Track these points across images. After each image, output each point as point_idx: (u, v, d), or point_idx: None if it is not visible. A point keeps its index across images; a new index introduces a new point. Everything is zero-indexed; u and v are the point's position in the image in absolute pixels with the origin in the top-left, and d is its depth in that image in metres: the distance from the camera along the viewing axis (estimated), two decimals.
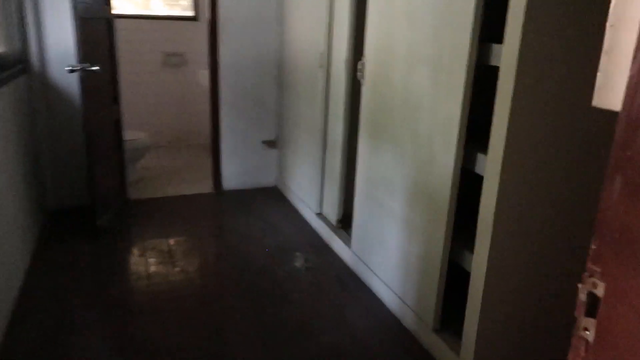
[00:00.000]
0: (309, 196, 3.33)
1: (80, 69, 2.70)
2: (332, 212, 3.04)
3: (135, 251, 2.87)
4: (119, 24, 4.78)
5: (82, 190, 3.37)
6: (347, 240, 2.82)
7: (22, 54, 3.00)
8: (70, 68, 2.70)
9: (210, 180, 3.96)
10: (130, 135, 3.85)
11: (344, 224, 3.01)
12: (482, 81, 1.82)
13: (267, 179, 4.01)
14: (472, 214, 2.02)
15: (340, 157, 2.87)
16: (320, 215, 3.21)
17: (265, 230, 3.21)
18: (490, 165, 1.64)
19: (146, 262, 2.75)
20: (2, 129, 2.32)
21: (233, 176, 3.90)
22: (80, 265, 2.69)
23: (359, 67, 2.46)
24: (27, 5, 3.03)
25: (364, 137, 2.50)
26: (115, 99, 3.35)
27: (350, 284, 2.60)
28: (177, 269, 2.68)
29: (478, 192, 1.77)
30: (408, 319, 2.21)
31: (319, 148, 3.11)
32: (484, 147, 1.79)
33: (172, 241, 3.01)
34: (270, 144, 3.93)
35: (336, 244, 2.92)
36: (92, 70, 2.76)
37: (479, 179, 1.81)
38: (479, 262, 1.73)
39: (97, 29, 2.99)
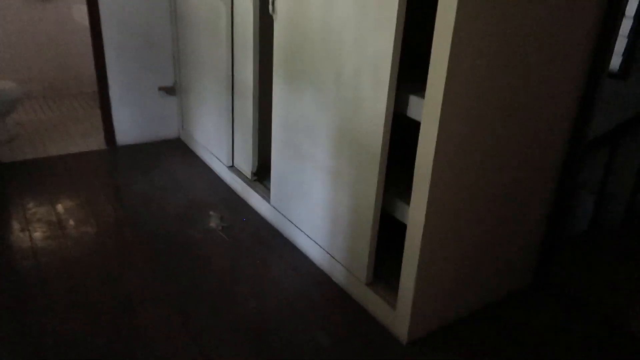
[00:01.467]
0: (219, 148, 3.02)
1: None
2: (246, 164, 2.78)
3: (15, 225, 2.42)
4: None
5: None
6: (265, 194, 2.60)
7: None
8: None
9: (101, 135, 3.47)
10: None
11: (260, 176, 2.78)
12: (416, 9, 1.63)
13: (168, 131, 3.61)
14: (402, 160, 1.90)
15: (252, 103, 2.59)
16: (232, 168, 2.94)
17: (171, 189, 2.88)
18: (429, 110, 1.49)
19: (30, 237, 2.33)
20: None
21: (128, 129, 3.45)
22: None
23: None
24: None
25: (278, 79, 2.24)
26: None
27: (272, 241, 2.41)
28: (69, 242, 2.30)
29: (409, 137, 1.62)
30: (338, 274, 2.08)
31: (227, 93, 2.78)
32: (418, 89, 1.63)
33: (60, 209, 2.59)
34: (169, 90, 3.50)
35: (253, 198, 2.69)
36: None
37: (412, 123, 1.66)
38: (415, 214, 1.61)
39: None
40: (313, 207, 2.17)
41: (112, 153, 3.36)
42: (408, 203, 1.68)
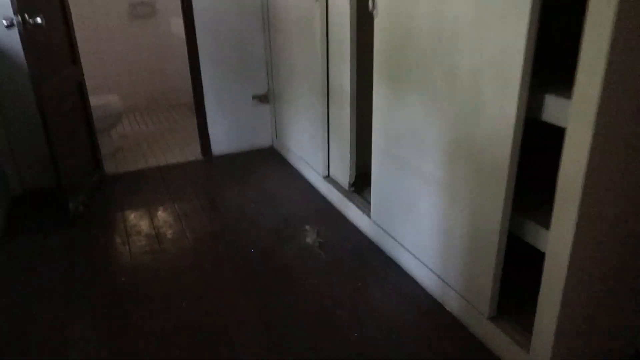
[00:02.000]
0: (313, 157, 2.87)
1: (17, 22, 2.15)
2: (343, 174, 2.60)
3: (117, 238, 2.44)
4: None
5: (49, 169, 2.89)
6: (365, 208, 2.40)
7: None
8: (6, 22, 2.16)
9: (197, 145, 3.48)
10: (98, 100, 3.33)
11: (358, 187, 2.58)
12: None
13: (261, 140, 3.54)
14: (526, 171, 1.60)
15: (349, 110, 2.40)
16: (328, 178, 2.77)
17: (266, 201, 2.78)
18: (578, 113, 1.19)
19: (129, 251, 2.32)
20: None
21: (222, 139, 3.42)
22: (52, 259, 2.26)
23: None
24: None
25: (380, 84, 2.02)
26: (74, 59, 2.81)
27: (373, 260, 2.20)
28: (167, 257, 2.26)
29: (536, 144, 1.33)
30: (452, 303, 1.82)
31: (322, 100, 2.62)
32: (554, 87, 1.34)
33: (158, 222, 2.57)
34: (262, 98, 3.42)
35: (351, 212, 2.50)
36: (35, 23, 2.21)
37: (544, 129, 1.36)
38: (558, 241, 1.31)
39: None
40: (421, 225, 1.93)
41: (208, 163, 3.34)
42: (545, 226, 1.39)
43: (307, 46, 2.67)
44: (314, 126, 2.78)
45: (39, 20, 2.21)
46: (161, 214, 2.65)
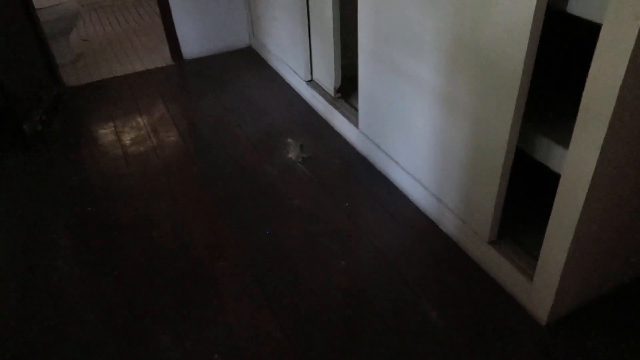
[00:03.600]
0: (295, 59, 2.55)
1: None
2: (328, 78, 2.31)
3: (80, 160, 2.21)
4: None
5: None
6: (353, 116, 2.15)
7: None
8: None
9: (167, 48, 3.11)
10: (47, 1, 2.90)
11: (345, 92, 2.31)
12: None
13: (237, 39, 3.16)
14: (546, 77, 1.34)
15: (331, 4, 2.04)
16: (312, 83, 2.48)
17: (245, 111, 2.51)
18: (620, 7, 0.91)
19: (95, 175, 2.11)
20: None
21: (194, 40, 3.05)
22: (7, 187, 2.05)
23: None
24: None
25: None
26: None
27: (363, 175, 2.00)
28: (136, 180, 2.05)
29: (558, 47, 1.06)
30: (449, 225, 1.65)
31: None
32: None
33: (125, 140, 2.33)
34: None
35: (337, 120, 2.25)
36: None
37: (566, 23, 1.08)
38: (579, 163, 1.10)
39: None
40: (415, 138, 1.70)
41: (179, 69, 3.01)
42: (564, 145, 1.16)
43: None
44: (293, 25, 2.43)
45: None
46: (129, 131, 2.40)
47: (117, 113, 2.56)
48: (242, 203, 1.90)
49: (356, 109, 2.14)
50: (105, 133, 2.40)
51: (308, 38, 2.36)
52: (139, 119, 2.49)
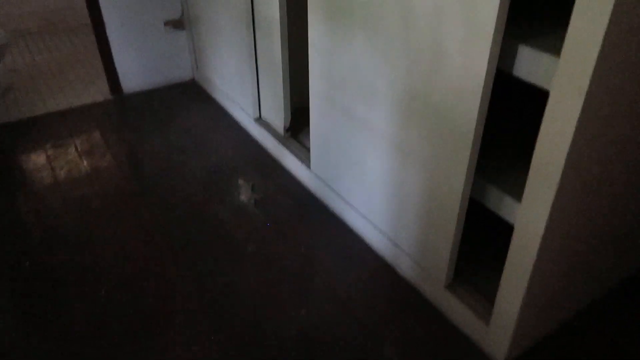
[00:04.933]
0: (241, 95, 2.53)
1: None
2: (277, 117, 2.30)
3: (13, 208, 2.06)
4: None
5: None
6: (304, 156, 2.15)
7: None
8: None
9: (105, 81, 2.99)
10: None
11: (295, 130, 2.31)
12: None
13: (180, 72, 3.10)
14: (495, 129, 1.42)
15: (280, 44, 2.05)
16: (260, 120, 2.46)
17: (191, 149, 2.45)
18: (568, 74, 0.97)
19: (31, 224, 1.97)
20: None
21: (134, 73, 2.95)
22: None
23: None
24: None
25: (316, 18, 1.69)
26: None
27: (317, 217, 2.00)
28: (78, 227, 1.94)
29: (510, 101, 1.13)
30: (405, 268, 1.68)
31: (246, 30, 2.24)
32: (537, 40, 1.11)
33: (64, 184, 2.20)
34: (176, 24, 2.94)
35: (288, 159, 2.25)
36: None
37: (512, 84, 1.15)
38: (531, 216, 1.15)
39: None
40: (369, 182, 1.72)
41: (119, 104, 2.90)
42: (516, 197, 1.22)
43: None
44: (239, 60, 2.41)
45: None
46: (67, 173, 2.27)
47: (53, 153, 2.42)
48: (195, 249, 1.84)
49: (307, 149, 2.15)
50: (41, 176, 2.25)
51: (256, 75, 2.35)
52: (78, 160, 2.36)
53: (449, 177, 1.36)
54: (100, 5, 2.68)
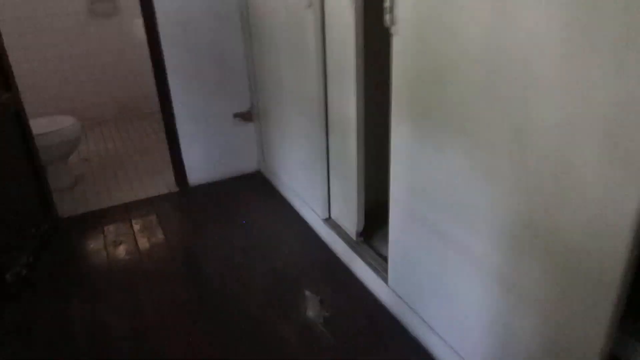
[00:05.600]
0: (310, 192, 2.37)
1: None
2: (349, 219, 2.10)
3: (67, 314, 1.92)
4: None
5: None
6: (379, 267, 1.91)
7: None
8: None
9: (171, 172, 2.94)
10: (48, 125, 2.77)
11: (369, 234, 2.09)
12: None
13: (246, 164, 3.02)
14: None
15: (356, 145, 1.89)
16: (330, 221, 2.27)
17: (254, 250, 2.27)
18: None
19: (85, 330, 1.81)
20: None
21: (200, 165, 2.89)
22: None
23: (387, 4, 1.42)
24: None
25: (401, 120, 1.52)
26: (7, 85, 2.25)
27: (396, 342, 1.72)
28: (130, 340, 1.76)
29: None
30: None
31: (319, 127, 2.11)
32: None
33: (119, 288, 2.06)
34: (245, 116, 2.89)
35: (361, 269, 2.01)
36: None
37: None
38: None
39: None
40: (461, 313, 1.45)
41: (184, 197, 2.82)
42: None
43: (298, 61, 2.14)
44: (309, 157, 2.27)
45: None
46: (124, 277, 2.14)
47: (114, 253, 2.32)
48: None
49: (384, 258, 1.91)
50: (98, 278, 2.14)
51: (326, 173, 2.19)
52: (136, 261, 2.24)
53: (580, 330, 1.06)
54: (172, 97, 2.68)
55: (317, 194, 2.28)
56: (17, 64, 2.32)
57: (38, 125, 2.65)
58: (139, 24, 3.36)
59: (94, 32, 3.91)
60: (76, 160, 3.35)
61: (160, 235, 2.44)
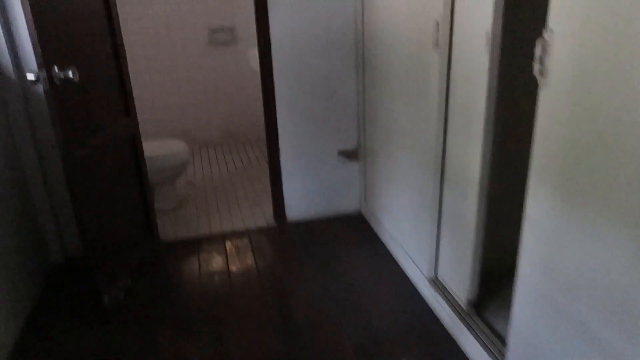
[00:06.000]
0: (414, 246, 2.16)
1: (42, 78, 1.66)
2: (459, 284, 1.86)
3: (159, 343, 1.88)
4: None
5: None
6: (492, 346, 1.64)
7: None
8: (33, 76, 1.67)
9: (270, 204, 2.88)
10: (159, 149, 2.85)
11: (482, 298, 1.83)
12: None
13: (347, 204, 2.87)
14: None
15: (476, 204, 1.66)
16: (436, 281, 2.04)
17: (350, 302, 2.10)
18: None
19: None
20: None
21: (300, 201, 2.80)
22: None
23: (538, 52, 1.20)
24: None
25: (541, 185, 1.27)
26: (126, 110, 2.32)
27: None
28: None
29: None
30: None
31: (432, 177, 1.90)
32: None
33: (206, 322, 1.98)
34: (351, 154, 2.76)
35: (471, 345, 1.75)
36: (66, 77, 1.72)
37: None
38: None
39: (78, 5, 1.93)
40: None
41: (281, 233, 2.73)
42: None
43: (415, 103, 1.97)
44: (418, 206, 2.07)
45: (70, 74, 1.71)
46: (213, 310, 2.07)
47: (207, 285, 2.27)
48: None
49: (500, 338, 1.64)
50: (189, 309, 2.08)
51: (436, 228, 1.97)
52: (229, 297, 2.17)
53: None
54: (279, 132, 2.63)
55: (423, 248, 2.06)
56: (136, 86, 2.39)
57: (150, 148, 2.72)
58: (253, 53, 3.41)
59: (211, 59, 4.06)
60: (181, 183, 3.43)
61: (253, 272, 2.36)
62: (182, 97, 4.11)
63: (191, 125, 4.22)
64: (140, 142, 2.44)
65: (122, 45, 2.24)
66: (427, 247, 2.02)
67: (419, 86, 1.91)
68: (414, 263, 2.17)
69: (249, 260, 2.45)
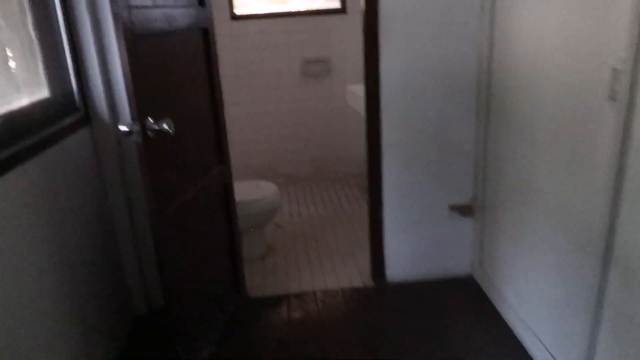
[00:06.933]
0: (553, 336, 1.74)
1: (135, 130, 1.48)
2: None
3: None
4: (239, 28, 3.66)
5: None
6: None
7: (77, 97, 1.91)
8: (127, 128, 1.50)
9: (367, 258, 2.57)
10: (249, 193, 2.65)
11: None
12: None
13: (457, 265, 2.49)
14: None
15: None
16: None
17: None
18: None
19: None
20: (47, 213, 1.48)
21: (403, 259, 2.46)
22: None
23: None
24: (83, 27, 1.91)
25: None
26: (221, 158, 2.13)
27: None
28: None
29: None
30: None
31: (590, 259, 1.50)
32: None
33: None
34: (464, 210, 2.39)
35: None
36: (161, 129, 1.53)
37: None
38: None
39: (177, 49, 1.76)
40: None
41: (379, 297, 2.40)
42: None
43: (570, 166, 1.58)
44: (563, 292, 1.66)
45: (165, 126, 1.52)
46: None
47: (298, 351, 1.99)
48: None
49: None
50: None
51: (592, 325, 1.54)
52: None
53: None
54: (383, 182, 2.33)
55: (569, 347, 1.64)
56: (228, 119, 2.19)
57: (240, 191, 2.51)
58: (352, 90, 3.15)
59: (304, 91, 3.87)
60: (269, 228, 3.21)
61: (346, 341, 2.04)
62: (271, 129, 3.95)
63: (278, 156, 4.04)
64: (232, 189, 2.24)
65: (219, 87, 2.06)
66: (576, 346, 1.60)
67: (578, 145, 1.53)
68: (548, 352, 1.74)
69: (343, 327, 2.15)
